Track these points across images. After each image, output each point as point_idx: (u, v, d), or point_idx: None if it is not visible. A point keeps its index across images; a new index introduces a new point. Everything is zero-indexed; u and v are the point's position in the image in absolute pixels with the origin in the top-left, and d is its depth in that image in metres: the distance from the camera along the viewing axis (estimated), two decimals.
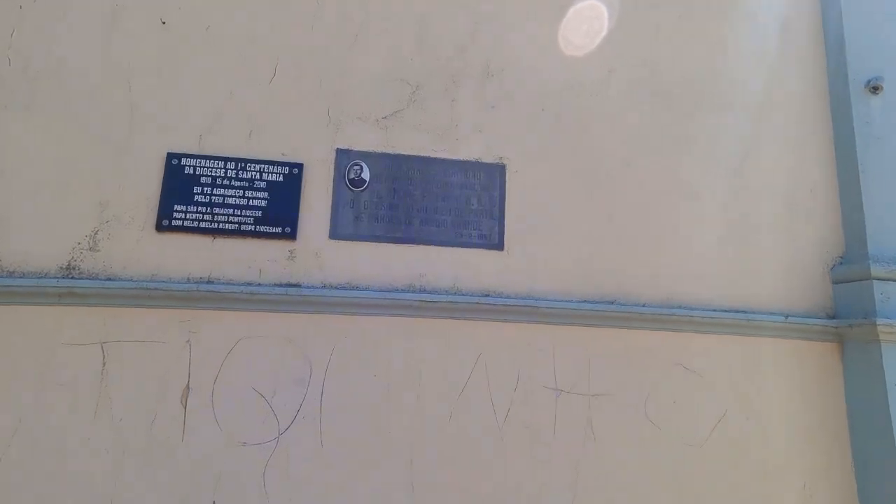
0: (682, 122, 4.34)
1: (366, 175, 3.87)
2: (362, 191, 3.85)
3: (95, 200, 3.60)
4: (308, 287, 3.65)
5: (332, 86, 3.99)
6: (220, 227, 3.63)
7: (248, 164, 3.74)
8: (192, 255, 3.60)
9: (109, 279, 3.50)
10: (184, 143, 3.74)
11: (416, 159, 3.96)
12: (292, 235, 3.69)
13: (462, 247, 3.88)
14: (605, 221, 4.10)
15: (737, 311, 4.02)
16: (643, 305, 3.97)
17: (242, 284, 3.59)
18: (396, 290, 3.74)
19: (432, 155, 3.99)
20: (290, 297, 3.58)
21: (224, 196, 3.67)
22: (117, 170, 3.65)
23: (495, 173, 4.03)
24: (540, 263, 3.96)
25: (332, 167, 3.87)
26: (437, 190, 3.93)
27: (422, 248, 3.84)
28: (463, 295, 3.79)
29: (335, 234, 3.76)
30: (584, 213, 4.09)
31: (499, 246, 3.92)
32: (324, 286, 3.68)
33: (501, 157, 4.08)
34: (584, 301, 3.93)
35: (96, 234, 3.57)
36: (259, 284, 3.61)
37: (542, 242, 3.99)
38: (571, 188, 4.12)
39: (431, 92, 4.10)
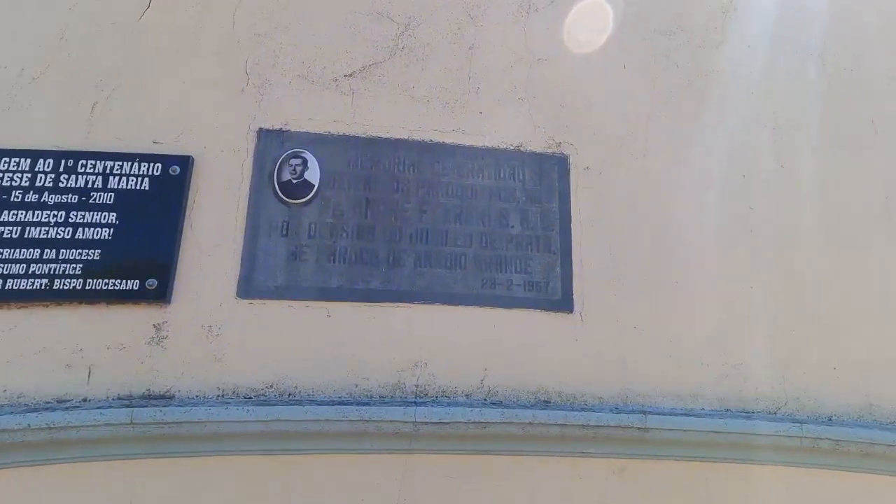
0: (867, 101, 2.57)
1: (313, 175, 2.07)
2: (306, 203, 2.04)
3: None
4: (190, 401, 1.79)
5: (255, 22, 2.24)
6: (8, 286, 1.80)
7: (83, 161, 1.95)
8: None
9: None
10: None
11: (408, 146, 2.16)
12: (162, 295, 1.87)
13: (495, 306, 2.04)
14: (764, 261, 2.26)
15: None
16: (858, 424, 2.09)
17: (48, 406, 1.73)
18: (370, 401, 1.88)
19: (437, 139, 2.20)
20: (149, 424, 1.71)
21: (23, 224, 1.87)
22: None
23: (551, 171, 2.23)
24: (645, 339, 2.10)
25: (248, 162, 2.07)
26: (447, 201, 2.12)
27: (420, 309, 2.00)
28: (499, 406, 1.92)
29: (250, 288, 1.93)
30: (724, 244, 2.26)
31: (564, 304, 2.08)
32: (222, 397, 1.82)
33: (560, 144, 2.28)
34: (741, 412, 2.05)
35: None
36: (84, 402, 1.76)
37: (646, 298, 2.15)
38: (693, 199, 2.30)
39: (433, 32, 2.34)
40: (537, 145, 2.26)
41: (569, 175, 2.24)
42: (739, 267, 2.25)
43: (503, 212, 2.14)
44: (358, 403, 1.83)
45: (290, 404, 1.80)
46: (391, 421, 1.81)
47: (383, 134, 2.17)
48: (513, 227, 2.13)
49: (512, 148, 2.24)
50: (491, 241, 2.10)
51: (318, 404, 1.81)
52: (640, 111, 2.38)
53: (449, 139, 2.20)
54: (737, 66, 2.54)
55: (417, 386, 1.92)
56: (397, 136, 2.17)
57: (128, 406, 1.70)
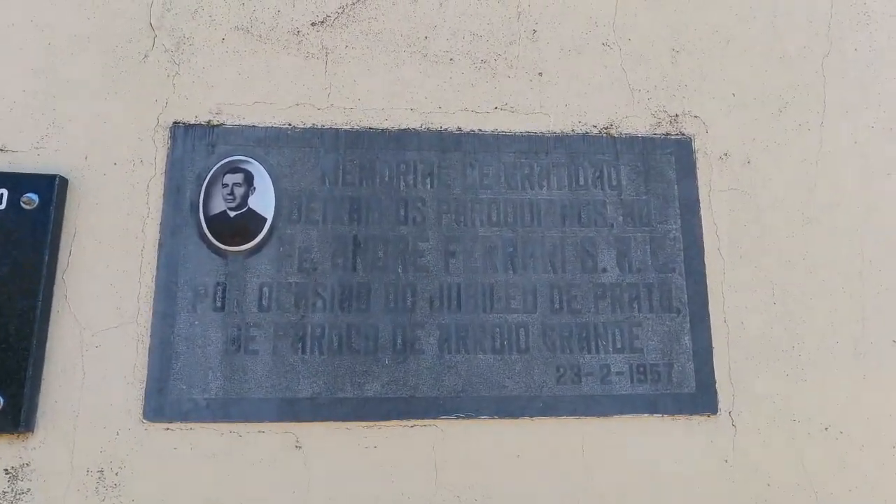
0: None
1: (263, 201, 1.23)
2: (253, 251, 1.21)
3: None
4: None
5: None
6: None
7: None
8: None
9: None
10: None
11: (421, 141, 1.29)
12: (15, 420, 1.10)
13: (581, 414, 1.19)
14: None
15: None
16: None
17: None
18: None
19: (468, 126, 1.31)
20: None
21: None
22: None
23: (664, 166, 1.31)
24: (848, 447, 1.23)
25: (157, 182, 1.25)
26: (490, 232, 1.25)
27: (452, 428, 1.17)
28: None
29: (164, 404, 1.14)
30: None
31: (701, 401, 1.21)
32: None
33: (677, 118, 1.36)
34: None
35: None
36: None
37: (845, 377, 1.25)
38: None
39: None
40: (639, 123, 1.34)
41: (695, 170, 1.32)
42: None
43: (587, 244, 1.26)
44: None
45: None
46: None
47: (379, 122, 1.29)
48: (605, 270, 1.25)
49: (596, 131, 1.33)
50: (569, 297, 1.23)
51: None
52: (811, 47, 1.42)
53: (489, 124, 1.31)
54: None
55: None
56: (402, 126, 1.29)
57: None
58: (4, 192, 1.18)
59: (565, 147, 1.30)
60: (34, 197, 1.18)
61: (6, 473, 1.10)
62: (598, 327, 1.21)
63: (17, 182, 1.19)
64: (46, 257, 1.17)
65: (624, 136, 1.32)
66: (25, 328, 1.13)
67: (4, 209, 1.18)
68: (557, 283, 1.23)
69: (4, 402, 1.10)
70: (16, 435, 1.11)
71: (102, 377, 1.15)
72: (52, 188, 1.20)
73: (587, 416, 1.18)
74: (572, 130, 1.32)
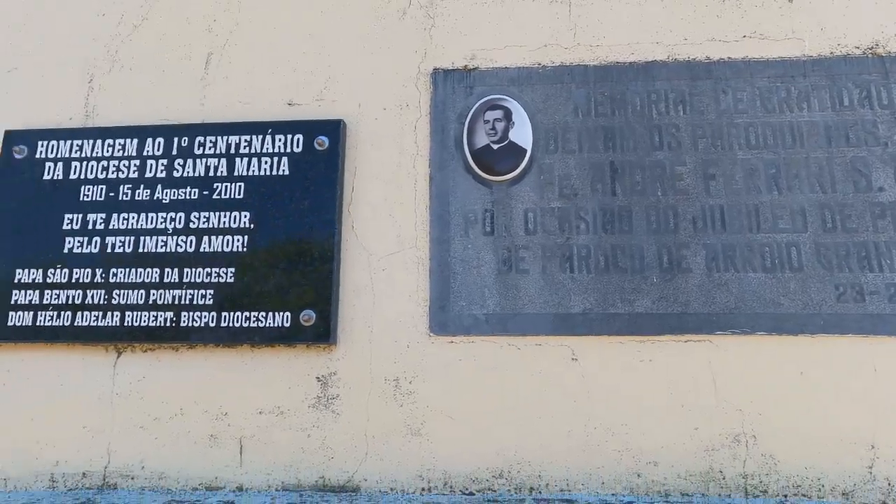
0: None
1: (522, 134, 1.32)
2: (515, 180, 1.30)
3: None
4: (384, 496, 1.17)
5: None
6: (129, 322, 1.29)
7: (201, 139, 1.38)
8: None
9: None
10: (50, 108, 1.49)
11: (670, 72, 1.31)
12: (324, 334, 1.25)
13: (866, 333, 1.15)
14: None
15: None
16: None
17: (196, 497, 1.22)
18: None
19: (717, 55, 1.32)
20: None
21: (136, 233, 1.34)
22: None
23: None
24: None
25: (424, 122, 1.37)
26: (751, 155, 1.25)
27: (727, 343, 1.18)
28: None
29: (447, 319, 1.25)
30: None
31: None
32: (429, 491, 1.18)
33: None
34: None
35: None
36: (240, 490, 1.22)
37: None
38: None
39: None
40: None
41: None
42: None
43: (858, 164, 1.22)
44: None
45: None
46: None
47: (625, 57, 1.34)
48: (882, 189, 1.20)
49: (859, 52, 1.29)
50: (842, 217, 1.20)
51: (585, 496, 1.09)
52: None
53: (738, 52, 1.31)
54: None
55: (745, 476, 1.12)
56: (648, 58, 1.33)
57: (298, 500, 1.12)
58: (300, 136, 1.37)
59: (824, 69, 1.27)
60: (325, 139, 1.36)
61: (318, 381, 1.26)
62: (879, 246, 1.17)
63: (310, 128, 1.37)
64: (338, 191, 1.33)
65: (893, 55, 1.27)
66: (327, 253, 1.29)
67: (301, 152, 1.36)
68: (828, 203, 1.20)
69: (316, 318, 1.26)
70: (323, 347, 1.27)
71: (390, 296, 1.29)
72: (337, 131, 1.36)
73: (876, 335, 1.14)
74: (830, 53, 1.29)
